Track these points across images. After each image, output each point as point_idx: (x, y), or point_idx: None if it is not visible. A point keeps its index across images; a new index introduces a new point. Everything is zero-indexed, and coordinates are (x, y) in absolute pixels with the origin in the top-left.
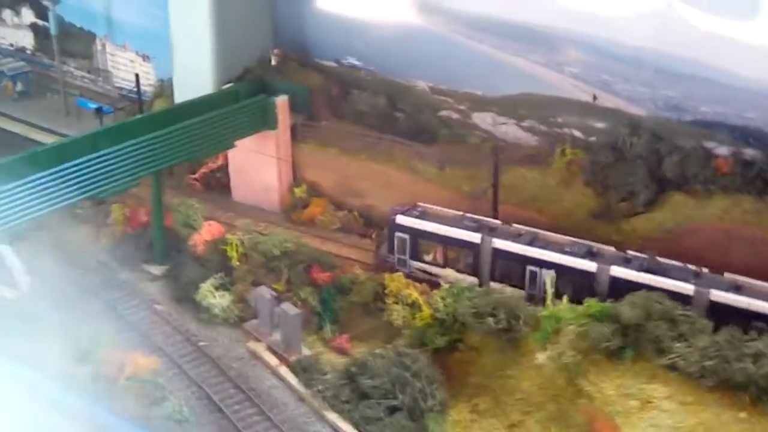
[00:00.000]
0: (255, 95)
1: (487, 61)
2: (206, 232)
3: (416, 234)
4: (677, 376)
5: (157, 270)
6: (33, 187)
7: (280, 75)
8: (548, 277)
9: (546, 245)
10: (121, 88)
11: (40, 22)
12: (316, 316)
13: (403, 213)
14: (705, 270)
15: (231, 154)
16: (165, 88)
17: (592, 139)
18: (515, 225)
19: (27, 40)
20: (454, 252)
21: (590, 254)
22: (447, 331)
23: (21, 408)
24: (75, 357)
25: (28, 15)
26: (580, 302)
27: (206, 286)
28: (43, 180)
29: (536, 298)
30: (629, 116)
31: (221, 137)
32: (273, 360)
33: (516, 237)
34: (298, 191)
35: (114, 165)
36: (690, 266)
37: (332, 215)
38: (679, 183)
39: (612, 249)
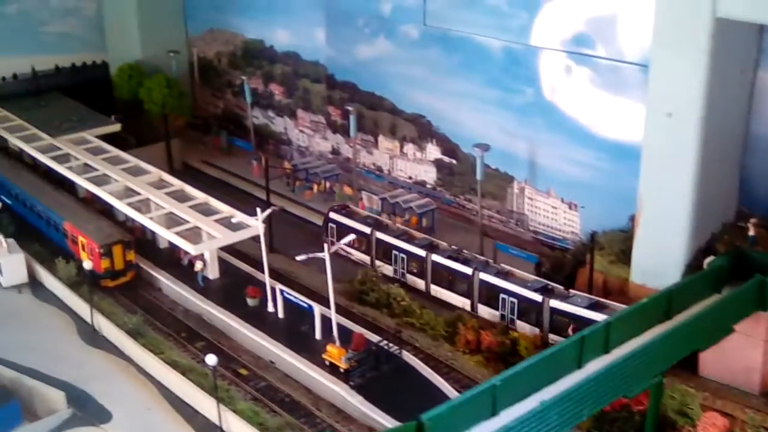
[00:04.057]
0: (736, 268)
1: None
2: (709, 424)
3: (339, 225)
4: None
5: None
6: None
7: (756, 245)
8: None
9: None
10: (536, 233)
11: (446, 159)
12: None
13: (334, 210)
14: None
15: None
16: (598, 240)
17: None
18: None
19: (429, 175)
20: (358, 239)
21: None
22: None
23: None
24: None
25: (433, 151)
26: None
27: None
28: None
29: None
30: None
31: (723, 322)
32: None
33: (391, 231)
34: None
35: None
36: None
37: None
38: None
39: None
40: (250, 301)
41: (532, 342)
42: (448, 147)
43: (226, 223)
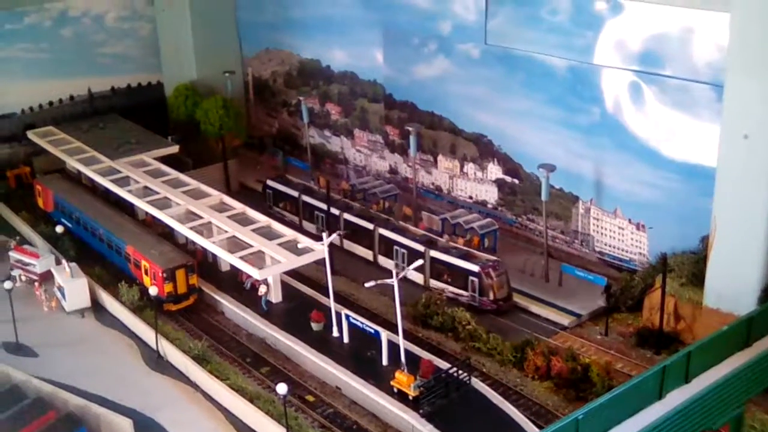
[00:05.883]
0: None
1: None
2: None
3: (273, 191)
4: None
5: None
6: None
7: None
8: None
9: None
10: (602, 254)
11: (508, 179)
12: None
13: (272, 179)
14: None
15: None
16: (668, 263)
17: None
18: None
19: (489, 194)
20: (288, 203)
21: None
22: None
23: None
24: None
25: (494, 170)
26: None
27: None
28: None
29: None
30: None
31: None
32: None
33: (316, 195)
34: None
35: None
36: None
37: None
38: None
39: None
40: (315, 326)
41: (603, 368)
42: (510, 167)
43: (290, 246)
